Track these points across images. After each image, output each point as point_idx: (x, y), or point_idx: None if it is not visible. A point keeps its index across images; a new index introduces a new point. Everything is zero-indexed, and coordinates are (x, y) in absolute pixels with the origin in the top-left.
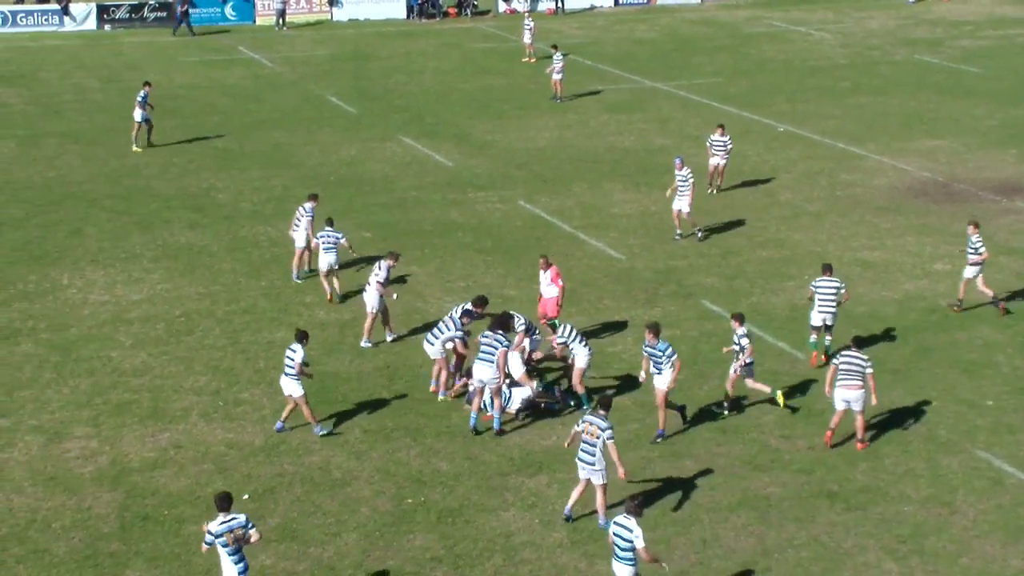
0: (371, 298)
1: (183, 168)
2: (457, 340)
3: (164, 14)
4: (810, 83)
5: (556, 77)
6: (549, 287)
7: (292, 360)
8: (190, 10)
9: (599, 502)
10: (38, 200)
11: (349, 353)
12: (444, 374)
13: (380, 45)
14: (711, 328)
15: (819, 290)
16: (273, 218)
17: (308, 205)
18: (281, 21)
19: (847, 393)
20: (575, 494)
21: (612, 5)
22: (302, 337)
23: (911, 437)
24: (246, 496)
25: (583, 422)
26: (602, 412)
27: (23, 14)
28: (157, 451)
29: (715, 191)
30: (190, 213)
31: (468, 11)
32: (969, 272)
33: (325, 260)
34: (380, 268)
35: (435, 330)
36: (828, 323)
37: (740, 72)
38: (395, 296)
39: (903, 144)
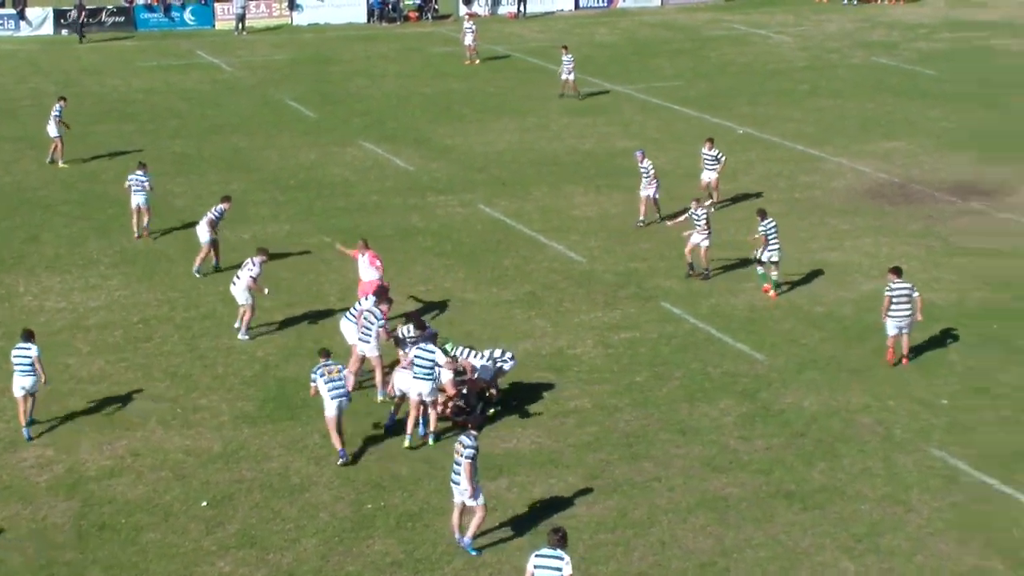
0: (241, 293)
1: None
2: (383, 330)
3: (122, 18)
4: (770, 86)
5: (566, 77)
6: (368, 270)
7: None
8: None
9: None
10: None
11: (307, 358)
12: (380, 374)
13: (341, 49)
14: (671, 330)
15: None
16: (231, 223)
17: (220, 207)
18: (240, 25)
19: (900, 320)
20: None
21: (573, 8)
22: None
23: (868, 436)
24: (204, 503)
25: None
26: (474, 432)
27: None
28: (114, 459)
29: (713, 208)
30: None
31: (429, 15)
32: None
33: (134, 200)
34: (253, 264)
35: (363, 331)
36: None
37: (700, 75)
38: (267, 291)
39: (861, 146)
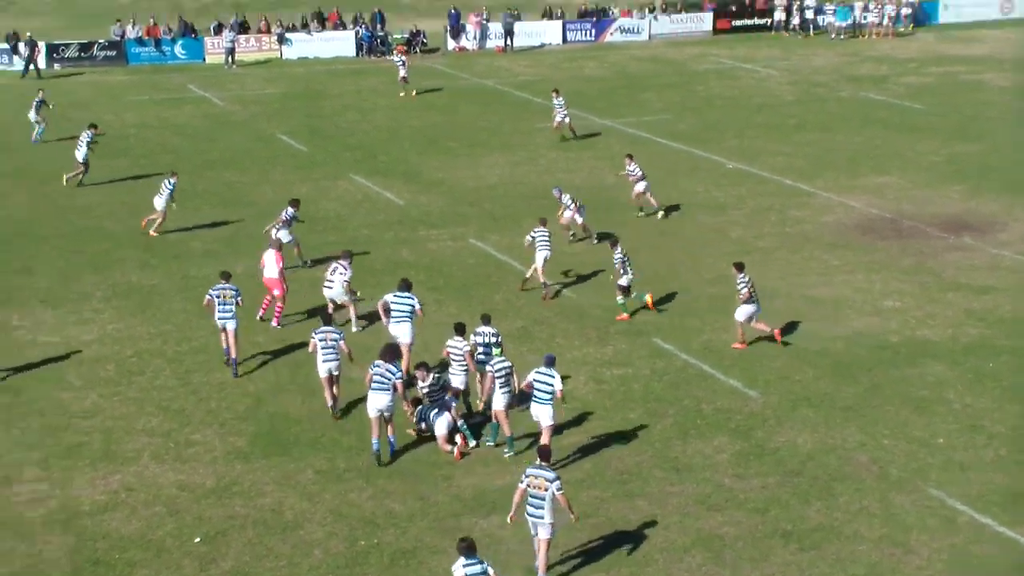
0: (339, 295)
1: (134, 207)
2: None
3: (114, 53)
4: (758, 120)
5: (560, 120)
6: (272, 267)
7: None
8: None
9: (541, 559)
10: None
11: (300, 393)
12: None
13: (330, 83)
14: (663, 366)
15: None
16: (224, 257)
17: (290, 210)
18: (231, 59)
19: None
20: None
21: (560, 43)
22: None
23: (864, 475)
24: (198, 539)
25: (527, 476)
26: (543, 463)
27: None
28: (108, 494)
29: (644, 214)
30: (141, 253)
31: (417, 49)
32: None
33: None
34: (344, 268)
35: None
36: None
37: (689, 109)
38: (358, 294)
39: (851, 181)
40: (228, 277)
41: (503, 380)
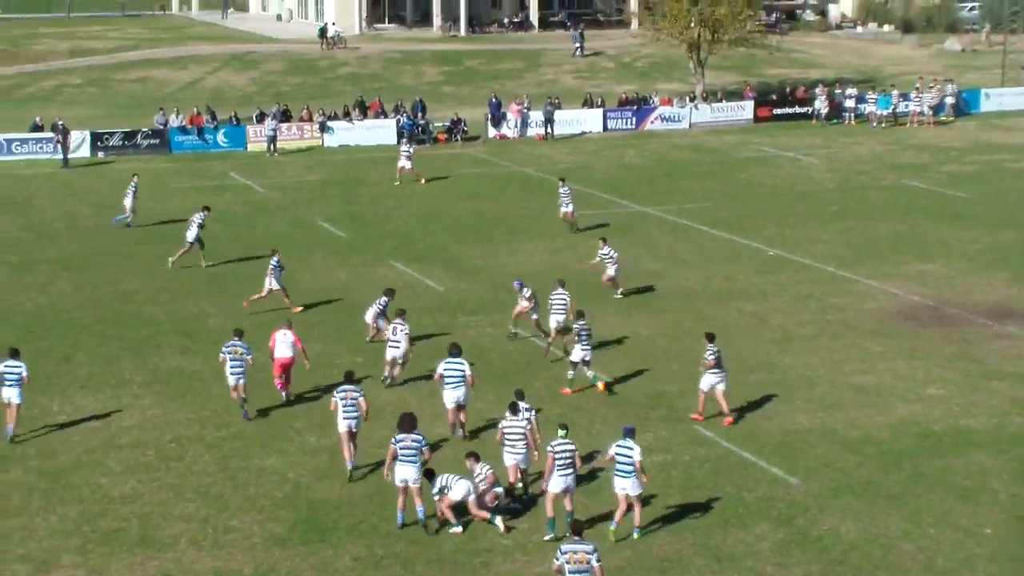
0: (402, 352)
1: (174, 293)
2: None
3: (157, 141)
4: (799, 207)
5: (565, 210)
6: (284, 347)
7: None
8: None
9: None
10: (29, 326)
11: (339, 479)
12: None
13: (371, 170)
14: (704, 453)
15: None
16: (263, 343)
17: (383, 299)
18: (272, 147)
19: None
20: None
21: (601, 130)
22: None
23: (909, 565)
24: None
25: (564, 553)
26: (576, 537)
27: (18, 142)
28: None
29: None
30: (181, 338)
31: (458, 137)
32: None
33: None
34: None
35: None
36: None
37: (729, 196)
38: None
39: (892, 268)
40: (240, 335)
41: (565, 463)
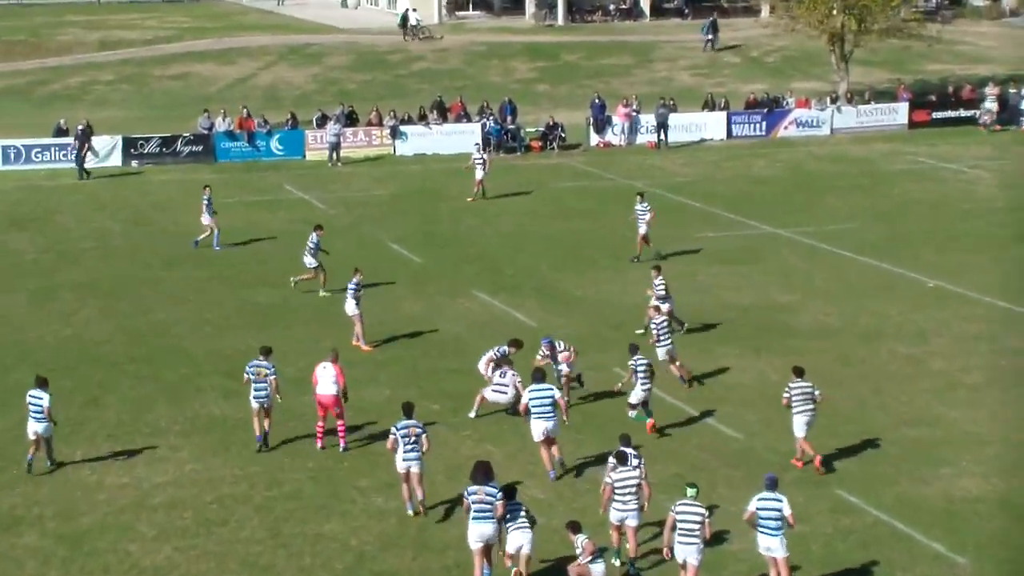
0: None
1: (218, 326)
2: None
3: (200, 148)
4: (964, 229)
5: (642, 231)
6: (328, 384)
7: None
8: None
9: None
10: (50, 363)
11: (411, 547)
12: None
13: (451, 183)
14: (848, 524)
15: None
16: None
17: (504, 348)
18: (335, 156)
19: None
20: None
21: (724, 137)
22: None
23: None
24: None
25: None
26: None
27: (38, 149)
28: None
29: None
30: (225, 380)
31: (555, 145)
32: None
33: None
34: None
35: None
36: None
37: (879, 216)
38: None
39: None
40: (268, 353)
41: (692, 531)
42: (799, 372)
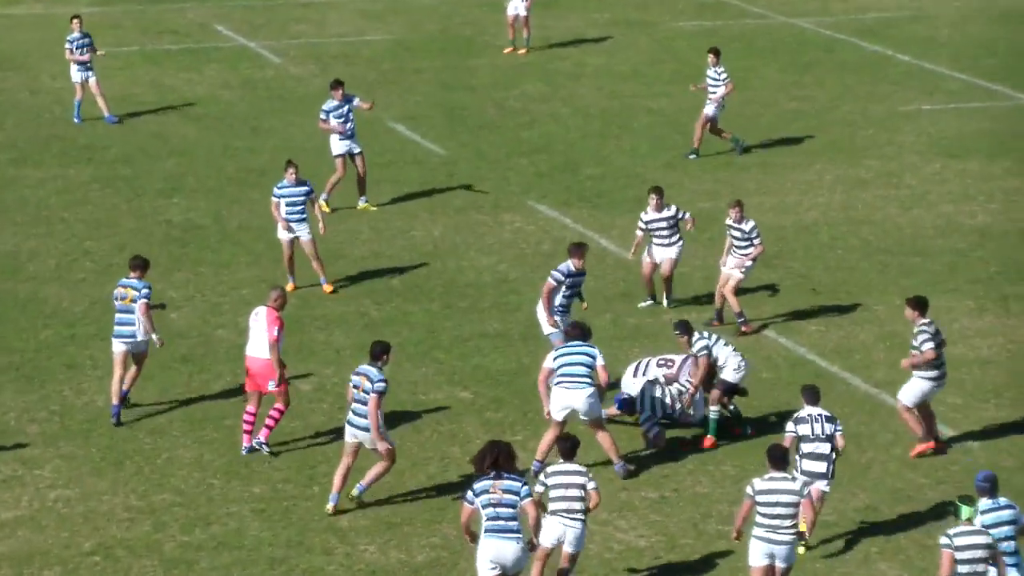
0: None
1: (103, 261)
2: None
3: None
4: None
5: (709, 112)
6: (260, 338)
7: None
8: None
9: None
10: None
11: None
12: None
13: (489, 23)
14: None
15: None
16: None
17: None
18: None
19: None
20: None
21: None
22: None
23: None
24: None
25: None
26: None
27: None
28: None
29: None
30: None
31: None
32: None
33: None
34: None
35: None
36: None
37: None
38: None
39: None
40: (142, 267)
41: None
42: (918, 305)
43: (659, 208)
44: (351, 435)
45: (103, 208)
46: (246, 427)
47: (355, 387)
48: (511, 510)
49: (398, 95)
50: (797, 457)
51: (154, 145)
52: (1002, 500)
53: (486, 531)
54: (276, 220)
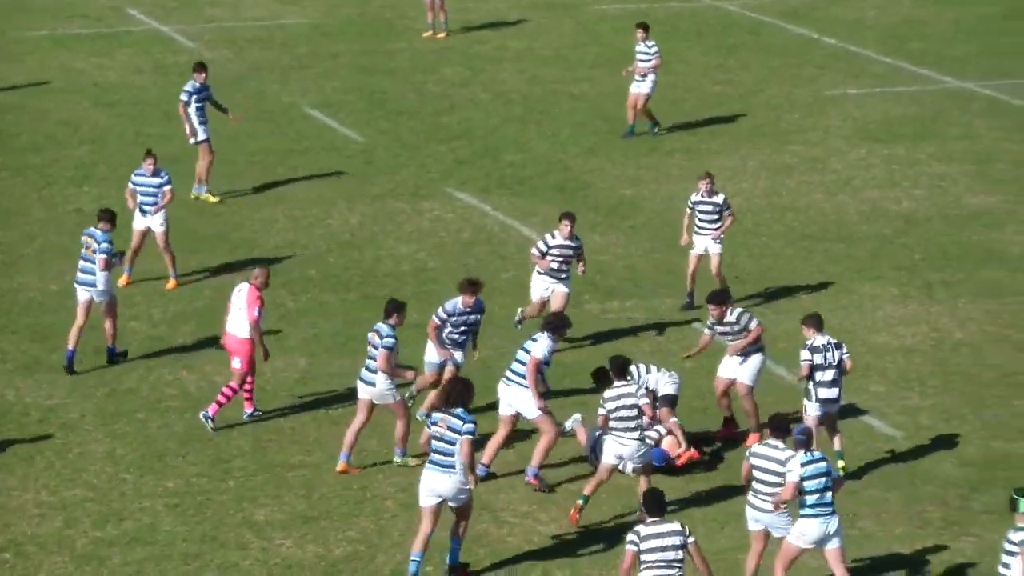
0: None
1: (14, 252)
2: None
3: None
4: None
5: (637, 91)
6: (240, 317)
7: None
8: None
9: None
10: None
11: None
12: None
13: (409, 7)
14: None
15: None
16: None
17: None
18: None
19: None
20: None
21: None
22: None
23: None
24: None
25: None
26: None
27: None
28: None
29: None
30: (26, 341)
31: None
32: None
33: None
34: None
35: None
36: None
37: None
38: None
39: None
40: (107, 219)
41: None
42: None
43: (570, 235)
44: (362, 391)
45: (12, 197)
46: (246, 395)
47: (370, 344)
48: (450, 446)
49: (315, 80)
50: (811, 387)
51: (64, 132)
52: (816, 453)
53: (428, 462)
54: (130, 208)
